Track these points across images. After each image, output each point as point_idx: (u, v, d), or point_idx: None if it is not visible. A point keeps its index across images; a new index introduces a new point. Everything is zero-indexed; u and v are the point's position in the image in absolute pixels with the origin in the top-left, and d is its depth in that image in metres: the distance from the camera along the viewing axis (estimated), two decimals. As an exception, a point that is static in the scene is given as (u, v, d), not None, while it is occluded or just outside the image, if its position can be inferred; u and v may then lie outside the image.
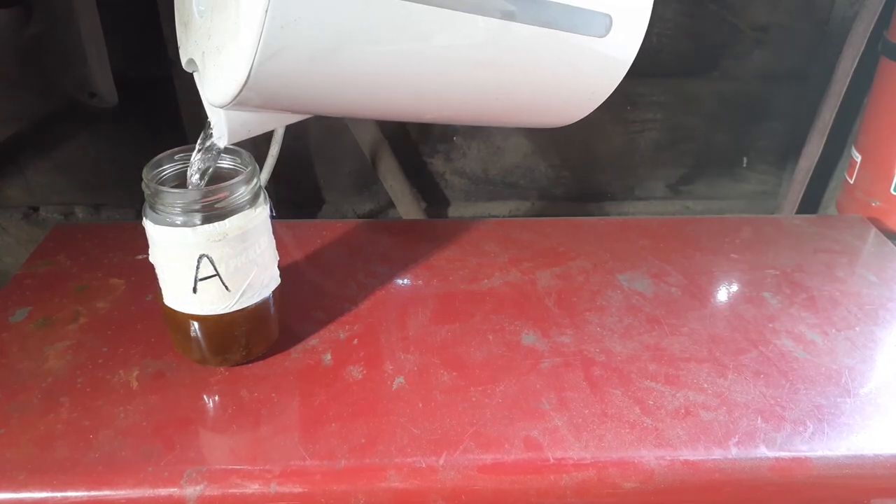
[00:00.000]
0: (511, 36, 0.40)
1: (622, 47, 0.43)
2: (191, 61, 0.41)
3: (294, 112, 0.43)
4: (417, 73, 0.39)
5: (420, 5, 0.35)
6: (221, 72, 0.36)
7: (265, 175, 0.65)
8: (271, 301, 0.47)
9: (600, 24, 0.41)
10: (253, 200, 0.44)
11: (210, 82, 0.38)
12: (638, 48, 0.43)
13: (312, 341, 0.50)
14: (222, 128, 0.41)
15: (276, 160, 0.65)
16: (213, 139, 0.42)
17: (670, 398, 0.46)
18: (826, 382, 0.47)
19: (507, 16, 0.38)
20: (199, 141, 0.42)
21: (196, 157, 0.43)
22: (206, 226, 0.41)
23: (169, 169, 0.44)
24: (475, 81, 0.42)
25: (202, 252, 0.42)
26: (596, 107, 0.47)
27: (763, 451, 0.42)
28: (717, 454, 0.42)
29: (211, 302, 0.44)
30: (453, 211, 0.89)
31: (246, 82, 0.35)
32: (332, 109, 0.44)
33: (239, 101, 0.37)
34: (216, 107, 0.39)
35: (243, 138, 0.42)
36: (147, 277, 0.53)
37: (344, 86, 0.39)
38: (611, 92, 0.46)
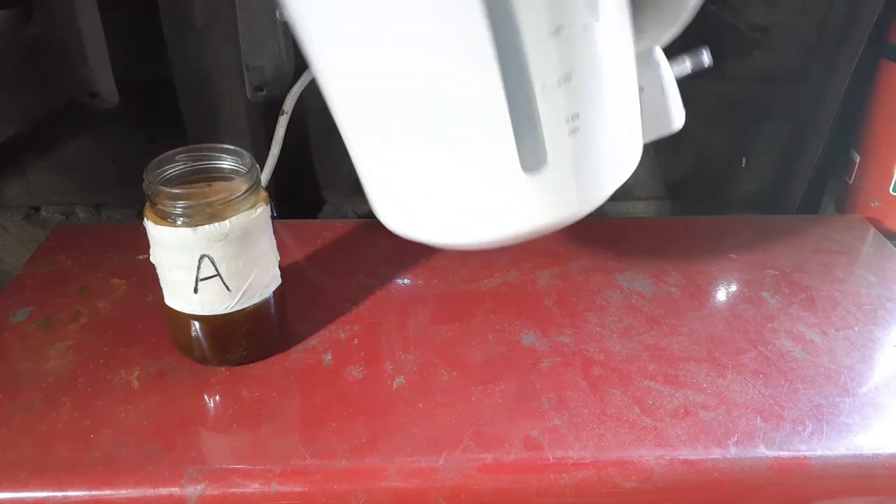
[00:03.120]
0: None
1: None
2: None
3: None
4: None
5: None
6: None
7: (266, 175, 0.65)
8: (272, 301, 0.47)
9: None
10: (254, 201, 0.44)
11: None
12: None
13: (313, 341, 0.50)
14: None
15: (276, 160, 0.66)
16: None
17: (669, 398, 0.46)
18: (825, 382, 0.48)
19: None
20: None
21: None
22: (207, 226, 0.41)
23: (170, 169, 0.44)
24: None
25: (203, 252, 0.42)
26: None
27: (762, 451, 0.42)
28: (716, 453, 0.42)
29: (212, 302, 0.44)
30: (453, 211, 0.89)
31: None
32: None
33: None
34: None
35: None
36: (148, 277, 0.53)
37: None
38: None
